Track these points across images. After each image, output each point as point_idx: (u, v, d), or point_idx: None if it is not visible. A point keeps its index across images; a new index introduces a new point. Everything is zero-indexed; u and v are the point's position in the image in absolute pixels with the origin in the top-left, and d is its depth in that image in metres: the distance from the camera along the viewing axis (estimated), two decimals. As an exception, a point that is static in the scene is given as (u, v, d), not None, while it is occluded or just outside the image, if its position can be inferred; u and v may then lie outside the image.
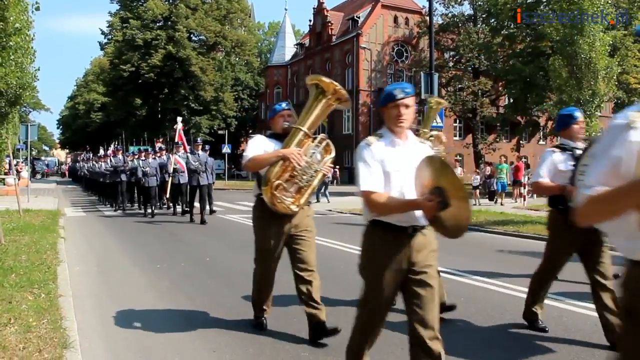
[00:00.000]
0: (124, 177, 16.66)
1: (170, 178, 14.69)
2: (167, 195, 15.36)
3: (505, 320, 4.73)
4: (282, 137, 4.13)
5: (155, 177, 15.20)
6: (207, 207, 13.83)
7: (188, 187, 14.01)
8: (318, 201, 20.91)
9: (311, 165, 4.01)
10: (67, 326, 4.18)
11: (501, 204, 19.03)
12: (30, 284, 5.46)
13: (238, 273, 6.90)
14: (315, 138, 4.06)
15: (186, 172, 14.00)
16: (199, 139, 15.58)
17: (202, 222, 12.61)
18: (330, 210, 17.14)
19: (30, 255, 7.24)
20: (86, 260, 7.88)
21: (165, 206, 16.81)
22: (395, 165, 2.85)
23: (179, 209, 15.39)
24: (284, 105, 4.40)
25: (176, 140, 15.61)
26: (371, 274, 2.95)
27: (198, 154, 13.53)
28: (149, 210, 14.98)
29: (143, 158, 15.85)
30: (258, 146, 4.12)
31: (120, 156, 17.56)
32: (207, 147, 14.69)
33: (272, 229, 4.16)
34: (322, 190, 23.13)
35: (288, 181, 3.99)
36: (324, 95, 3.95)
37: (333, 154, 4.16)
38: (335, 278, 6.59)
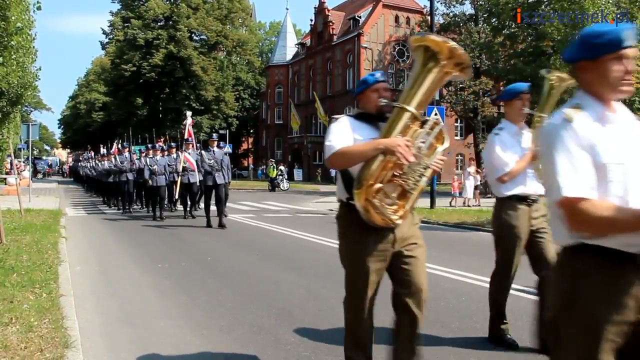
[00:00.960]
0: (130, 177, 15.85)
1: (180, 178, 13.86)
2: (177, 196, 14.58)
3: (507, 319, 4.72)
4: (375, 119, 3.08)
5: (164, 176, 14.33)
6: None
7: (203, 187, 12.74)
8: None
9: (420, 160, 2.90)
10: (68, 326, 4.18)
11: None
12: (32, 284, 5.46)
13: (239, 273, 6.91)
14: (424, 122, 2.97)
15: (196, 170, 13.25)
16: (214, 134, 14.06)
17: (221, 225, 11.63)
18: (332, 210, 17.13)
19: (31, 254, 7.25)
20: (87, 260, 7.89)
21: (169, 208, 15.80)
22: (614, 154, 1.83)
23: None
24: (378, 75, 3.23)
25: (185, 136, 14.54)
26: (585, 327, 1.84)
27: (213, 151, 12.34)
28: (158, 213, 13.95)
29: (151, 156, 14.81)
30: (345, 133, 2.98)
31: (126, 154, 16.61)
32: (222, 144, 13.48)
33: (370, 247, 3.01)
34: None
35: (390, 182, 2.88)
36: (435, 61, 2.88)
37: (447, 144, 3.04)
38: (335, 278, 6.59)
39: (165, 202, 15.31)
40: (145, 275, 6.93)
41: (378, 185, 2.84)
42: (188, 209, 14.33)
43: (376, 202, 2.85)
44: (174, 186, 14.23)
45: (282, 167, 34.58)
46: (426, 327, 4.50)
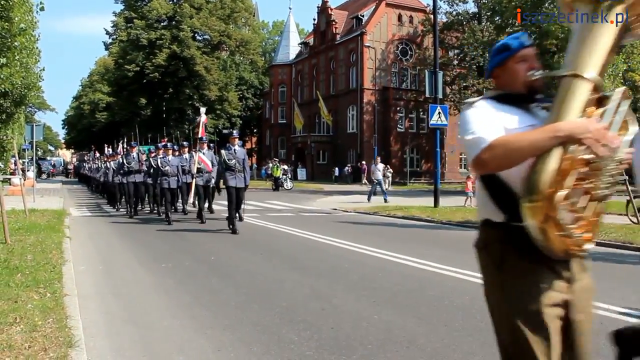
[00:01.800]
0: (138, 178, 14.71)
1: (195, 180, 12.92)
2: (191, 200, 13.43)
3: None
4: (525, 100, 2.13)
5: (176, 178, 13.34)
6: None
7: (227, 189, 11.16)
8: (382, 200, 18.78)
9: (613, 152, 1.88)
10: (72, 325, 4.19)
11: None
12: (36, 283, 5.48)
13: (243, 272, 6.92)
14: (605, 97, 1.97)
15: (214, 171, 12.64)
16: (234, 131, 12.27)
17: (234, 231, 10.69)
18: (335, 209, 17.14)
19: (35, 254, 7.27)
20: (91, 260, 7.91)
21: (182, 212, 14.79)
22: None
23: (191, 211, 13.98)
24: (523, 38, 2.20)
25: (199, 135, 13.48)
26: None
27: (234, 149, 11.03)
28: (166, 216, 13.04)
29: (161, 155, 13.74)
30: (493, 121, 2.01)
31: (134, 154, 15.16)
32: (239, 142, 12.06)
33: (546, 288, 1.98)
34: (381, 188, 20.61)
35: (575, 187, 1.87)
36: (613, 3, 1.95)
37: (635, 128, 2.02)
38: (339, 277, 6.59)
39: (178, 206, 14.68)
40: (149, 274, 6.93)
41: (563, 193, 1.83)
42: (203, 212, 13.25)
43: (562, 218, 1.85)
44: (188, 189, 13.41)
45: (285, 167, 34.63)
46: (429, 326, 4.50)
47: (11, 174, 20.06)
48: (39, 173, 45.49)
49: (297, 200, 22.09)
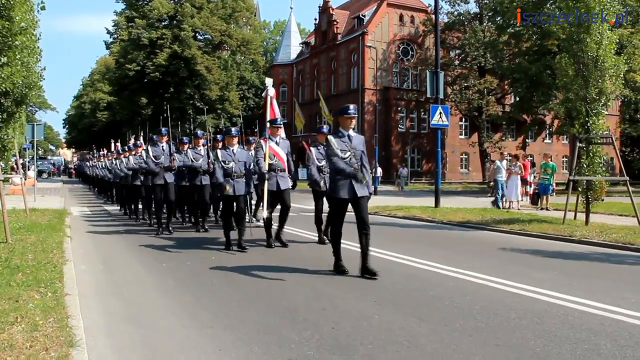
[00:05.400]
0: (169, 177, 11.05)
1: (267, 181, 8.70)
2: (265, 214, 8.82)
3: (511, 318, 4.72)
4: None
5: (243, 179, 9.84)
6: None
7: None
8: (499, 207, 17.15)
9: None
10: (73, 325, 4.19)
11: (546, 209, 16.47)
12: (37, 283, 5.48)
13: (243, 272, 6.92)
14: None
15: (286, 169, 9.08)
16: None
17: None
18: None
19: (36, 254, 7.28)
20: (92, 259, 7.92)
21: (250, 220, 10.70)
22: None
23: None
24: None
25: (268, 117, 9.19)
26: None
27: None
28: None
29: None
30: None
31: (163, 145, 11.20)
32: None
33: None
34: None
35: None
36: None
37: None
38: (339, 277, 6.59)
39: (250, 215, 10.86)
40: (150, 274, 6.94)
41: None
42: (249, 220, 10.29)
43: None
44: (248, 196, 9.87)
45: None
46: (430, 326, 4.50)
47: (12, 169, 19.92)
48: (39, 173, 45.42)
49: (298, 199, 22.06)
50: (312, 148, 9.20)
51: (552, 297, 5.46)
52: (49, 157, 77.49)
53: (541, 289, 5.78)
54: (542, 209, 16.72)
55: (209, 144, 11.95)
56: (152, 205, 11.93)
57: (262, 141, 9.00)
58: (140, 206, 13.69)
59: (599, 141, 11.55)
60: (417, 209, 16.05)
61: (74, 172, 61.97)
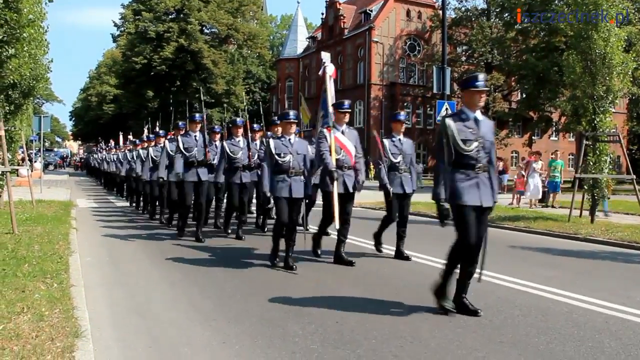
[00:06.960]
0: (203, 174, 9.13)
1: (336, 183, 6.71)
2: (337, 225, 6.65)
3: (515, 315, 4.72)
4: None
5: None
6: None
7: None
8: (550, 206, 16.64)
9: None
10: (78, 315, 4.22)
11: (552, 206, 16.28)
12: (43, 274, 5.52)
13: (248, 265, 6.94)
14: None
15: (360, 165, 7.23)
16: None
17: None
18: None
19: (42, 245, 7.31)
20: (98, 251, 7.95)
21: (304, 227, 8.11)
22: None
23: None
24: None
25: (329, 99, 7.20)
26: None
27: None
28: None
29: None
30: None
31: (197, 134, 9.22)
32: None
33: None
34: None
35: None
36: None
37: None
38: (344, 271, 6.60)
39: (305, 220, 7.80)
40: (155, 266, 6.96)
41: None
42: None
43: None
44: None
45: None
46: (434, 323, 4.51)
47: (19, 163, 19.97)
48: (45, 165, 45.53)
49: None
50: (384, 140, 7.85)
51: (556, 294, 5.45)
52: (55, 149, 77.66)
53: (546, 286, 5.77)
54: (547, 206, 16.67)
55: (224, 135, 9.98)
56: (175, 204, 10.55)
57: (325, 130, 6.89)
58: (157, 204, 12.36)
59: (605, 139, 11.50)
60: (423, 204, 16.00)
61: (79, 164, 62.05)
